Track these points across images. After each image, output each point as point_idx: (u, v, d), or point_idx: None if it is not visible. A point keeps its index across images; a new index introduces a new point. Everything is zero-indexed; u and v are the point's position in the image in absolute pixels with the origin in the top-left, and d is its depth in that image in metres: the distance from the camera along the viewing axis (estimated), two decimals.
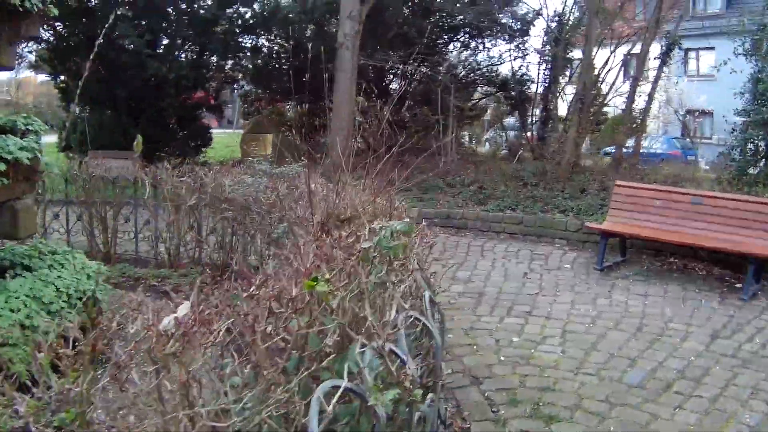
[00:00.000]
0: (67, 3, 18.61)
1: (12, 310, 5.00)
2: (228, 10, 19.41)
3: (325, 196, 6.34)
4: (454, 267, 10.14)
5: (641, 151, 17.00)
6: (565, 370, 6.30)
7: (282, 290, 3.06)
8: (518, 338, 7.15)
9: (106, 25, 8.28)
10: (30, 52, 20.66)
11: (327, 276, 3.04)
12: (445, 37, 21.55)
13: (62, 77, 20.51)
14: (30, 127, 5.71)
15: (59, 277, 5.68)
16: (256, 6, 20.22)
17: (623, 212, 10.45)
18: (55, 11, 5.90)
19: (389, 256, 3.75)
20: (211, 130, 21.73)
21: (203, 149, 21.44)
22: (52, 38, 19.82)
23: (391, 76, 22.23)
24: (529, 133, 19.35)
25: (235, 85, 23.28)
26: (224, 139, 26.94)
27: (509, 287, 9.08)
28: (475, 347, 6.91)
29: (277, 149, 18.85)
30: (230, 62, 21.66)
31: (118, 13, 18.70)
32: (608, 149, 17.83)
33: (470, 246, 11.61)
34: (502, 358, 6.60)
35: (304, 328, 2.77)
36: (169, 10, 18.96)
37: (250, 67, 22.15)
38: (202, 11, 19.11)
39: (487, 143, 25.16)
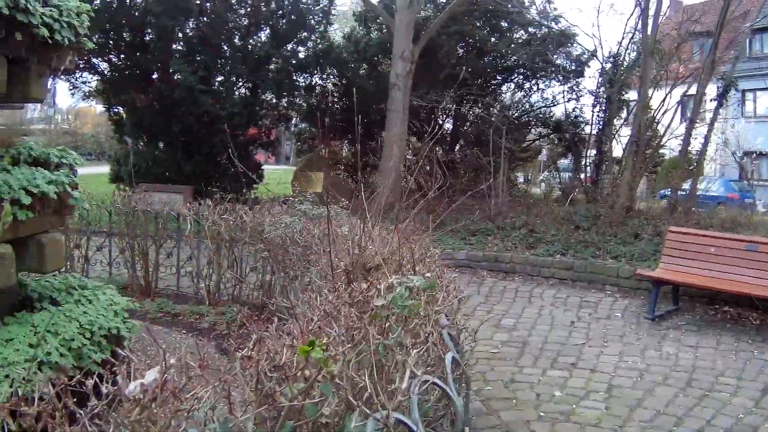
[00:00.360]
0: (123, 37, 18.87)
1: (31, 345, 4.86)
2: (282, 49, 19.40)
3: (356, 240, 6.08)
4: (499, 314, 9.88)
5: (698, 194, 16.58)
6: (608, 428, 5.97)
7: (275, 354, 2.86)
8: (561, 392, 6.82)
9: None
10: (84, 82, 20.84)
11: (325, 340, 2.83)
12: (499, 77, 21.36)
13: (117, 109, 20.75)
14: (64, 161, 5.67)
15: (84, 312, 5.55)
16: (309, 44, 20.20)
17: (676, 259, 10.08)
18: (90, 44, 5.93)
19: (405, 316, 3.50)
20: (263, 167, 21.72)
21: (255, 185, 21.43)
22: (107, 71, 20.08)
23: (444, 117, 22.04)
24: (583, 175, 19.00)
25: (288, 123, 23.28)
26: (279, 175, 26.98)
27: (555, 336, 8.76)
28: (514, 401, 6.61)
29: (326, 188, 18.79)
30: (284, 100, 21.66)
31: (173, 48, 18.97)
32: (665, 192, 17.39)
33: (518, 291, 11.31)
34: (542, 414, 6.29)
35: (298, 396, 2.57)
36: (224, 47, 19.03)
37: (304, 105, 22.15)
38: (256, 49, 19.11)
39: (542, 184, 24.84)
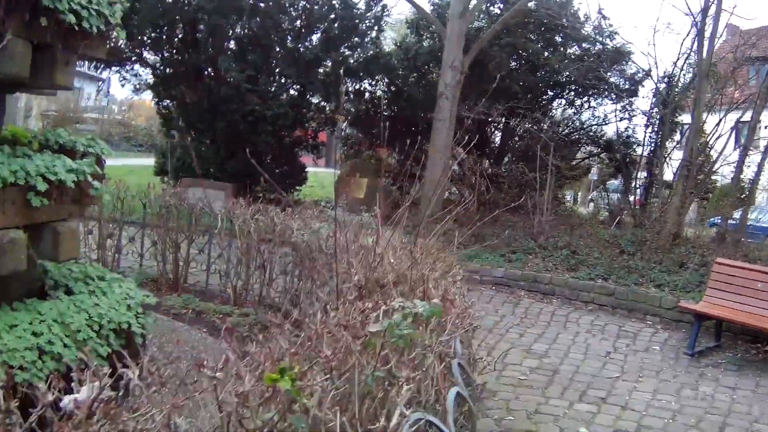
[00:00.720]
0: (176, 33, 18.87)
1: (35, 333, 4.77)
2: (333, 53, 19.23)
3: (377, 253, 5.80)
4: (532, 338, 9.54)
5: (749, 224, 16.03)
6: None
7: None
8: (586, 429, 6.46)
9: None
10: (136, 75, 20.89)
11: (298, 368, 2.66)
12: (550, 93, 20.92)
13: (166, 103, 20.82)
14: (90, 149, 5.67)
15: (96, 305, 5.47)
16: (360, 50, 20.00)
17: (721, 293, 9.65)
18: (123, 34, 5.88)
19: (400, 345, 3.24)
20: (307, 169, 21.59)
21: (298, 187, 21.32)
22: (159, 65, 20.14)
23: (493, 130, 21.69)
24: (632, 198, 18.52)
25: (335, 127, 23.09)
26: (326, 178, 26.78)
27: (588, 367, 8.39)
28: None
29: (368, 195, 18.58)
30: (332, 104, 21.49)
31: (224, 46, 18.91)
32: (714, 220, 16.81)
33: (554, 315, 10.95)
34: None
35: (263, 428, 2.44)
36: (275, 48, 18.90)
37: (352, 110, 21.96)
38: (306, 52, 18.96)
39: (591, 204, 24.33)
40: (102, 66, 20.83)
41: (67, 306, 5.24)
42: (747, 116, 15.23)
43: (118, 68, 20.49)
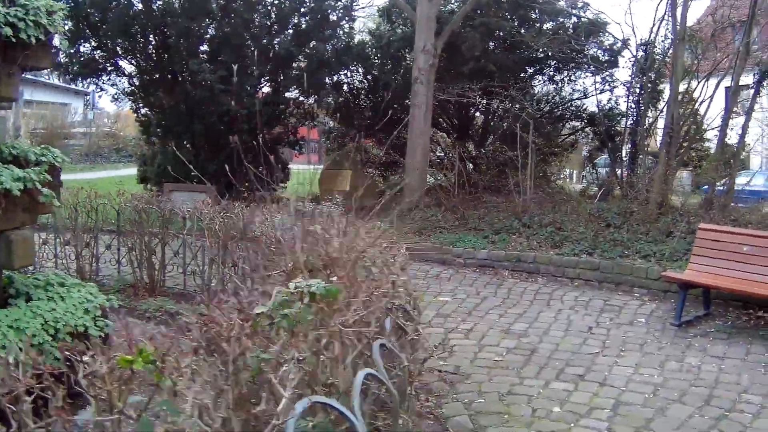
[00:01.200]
0: (148, 39, 18.61)
1: None
2: (305, 47, 18.94)
3: (327, 239, 5.55)
4: (512, 318, 9.16)
5: (741, 188, 15.60)
6: None
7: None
8: (560, 408, 6.11)
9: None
10: (113, 85, 20.60)
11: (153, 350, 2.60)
12: (530, 70, 20.50)
13: (144, 110, 20.47)
14: (43, 158, 5.75)
15: (53, 309, 5.61)
16: (333, 41, 19.66)
17: (707, 259, 9.27)
18: (65, 44, 6.24)
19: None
20: (289, 166, 21.24)
21: (282, 184, 21.01)
22: (135, 72, 19.86)
23: (475, 112, 21.30)
24: (619, 171, 18.10)
25: (315, 121, 22.74)
26: (311, 174, 26.43)
27: (567, 344, 8.03)
28: (506, 417, 5.94)
29: (352, 186, 18.24)
30: (311, 98, 21.17)
31: (199, 49, 18.65)
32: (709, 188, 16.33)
33: (537, 294, 10.58)
34: None
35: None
36: (249, 46, 18.57)
37: (332, 103, 21.63)
38: (278, 48, 18.67)
39: (584, 180, 23.92)
40: (78, 79, 20.58)
41: (23, 312, 5.42)
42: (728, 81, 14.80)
43: (95, 79, 20.19)
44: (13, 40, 5.17)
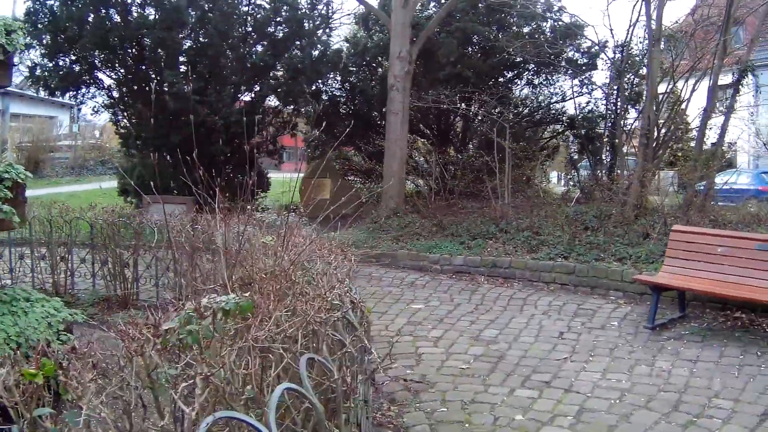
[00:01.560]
0: (126, 50, 18.47)
1: None
2: (282, 56, 18.82)
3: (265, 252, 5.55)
4: (483, 324, 8.98)
5: (725, 187, 15.46)
6: None
7: None
8: (522, 416, 5.96)
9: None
10: (92, 98, 20.47)
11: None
12: (508, 74, 20.39)
13: (123, 122, 20.38)
14: (6, 175, 5.85)
15: (15, 324, 5.68)
16: (309, 50, 19.51)
17: (681, 261, 9.16)
18: (19, 59, 5.86)
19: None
20: (269, 176, 21.11)
21: (262, 193, 20.87)
22: (113, 84, 19.81)
23: (454, 117, 21.18)
24: (599, 173, 17.97)
25: (294, 130, 22.61)
26: (292, 183, 26.21)
27: (537, 350, 7.88)
28: (467, 425, 5.82)
29: (332, 194, 18.10)
30: (290, 107, 21.04)
31: (176, 60, 18.49)
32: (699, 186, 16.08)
33: (511, 299, 10.43)
34: None
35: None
36: (223, 57, 18.42)
37: (311, 111, 21.52)
38: (255, 58, 18.54)
39: (568, 183, 23.77)
40: (56, 93, 20.40)
41: None
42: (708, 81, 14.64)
43: (74, 92, 20.01)
44: None
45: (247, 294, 3.99)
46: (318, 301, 4.14)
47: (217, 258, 6.45)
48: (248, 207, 9.12)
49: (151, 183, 16.35)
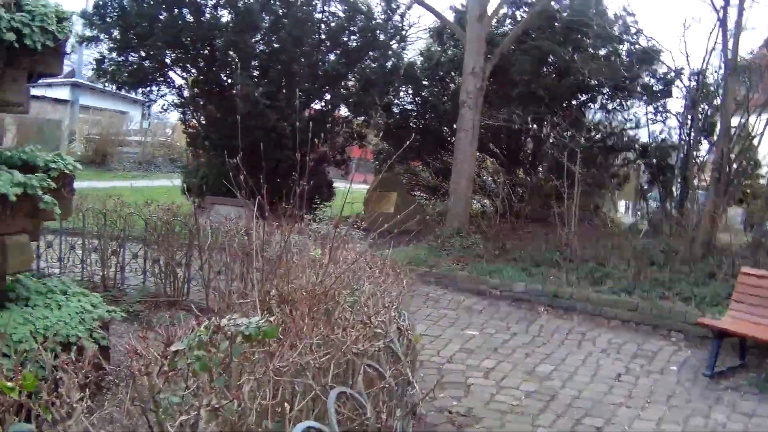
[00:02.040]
0: (199, 51, 18.59)
1: None
2: (355, 66, 18.80)
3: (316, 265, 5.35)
4: (539, 358, 8.78)
5: None
6: None
7: None
8: None
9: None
10: (162, 96, 20.70)
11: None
12: (582, 96, 20.05)
13: (192, 121, 20.60)
14: (53, 165, 5.82)
15: (45, 317, 5.58)
16: (382, 61, 19.44)
17: (747, 306, 8.77)
18: (71, 48, 5.95)
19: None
20: (334, 185, 21.13)
21: (326, 203, 20.86)
22: (184, 84, 20.01)
23: (526, 138, 20.92)
24: (669, 206, 17.57)
25: (363, 141, 22.58)
26: (358, 194, 26.30)
27: (591, 391, 7.63)
28: None
29: (397, 208, 18.05)
30: (360, 118, 21.02)
31: (250, 64, 18.57)
32: None
33: (570, 333, 10.16)
34: None
35: None
36: (295, 64, 18.43)
37: (381, 123, 21.48)
38: (327, 66, 18.53)
39: (637, 214, 23.31)
40: (124, 88, 20.66)
41: (13, 317, 5.40)
42: None
43: (144, 89, 20.25)
44: (16, 45, 5.16)
45: (277, 314, 3.92)
46: (359, 328, 3.98)
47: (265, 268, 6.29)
48: (305, 216, 9.09)
49: (214, 184, 16.54)
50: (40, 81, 6.50)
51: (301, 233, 8.80)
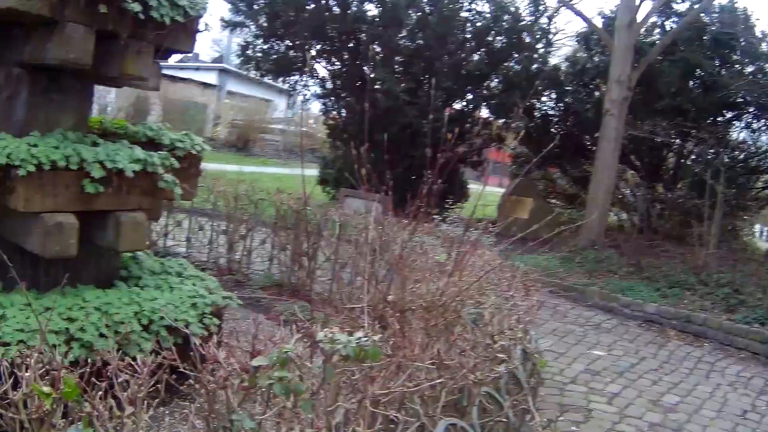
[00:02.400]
0: (344, 44, 18.83)
1: (71, 319, 4.85)
2: (498, 68, 18.72)
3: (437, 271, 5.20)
4: (665, 387, 8.58)
5: None
6: None
7: None
8: None
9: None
10: (305, 86, 21.13)
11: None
12: (727, 113, 19.38)
13: (333, 114, 20.88)
14: (179, 144, 5.82)
15: (153, 299, 5.46)
16: (526, 64, 19.28)
17: None
18: (204, 26, 5.98)
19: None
20: (469, 186, 21.10)
21: (460, 204, 20.89)
22: (327, 76, 20.24)
23: (667, 153, 20.39)
24: None
25: (502, 144, 22.46)
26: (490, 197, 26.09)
27: (716, 428, 7.33)
28: None
29: (532, 215, 17.89)
30: (500, 121, 20.93)
31: (389, 58, 18.70)
32: None
33: (699, 362, 9.82)
34: None
35: None
36: (437, 61, 18.47)
37: (522, 127, 21.33)
38: (470, 66, 18.49)
39: None
40: (267, 76, 21.14)
41: (119, 297, 5.33)
42: None
43: (286, 78, 20.67)
44: (142, 17, 5.12)
45: (391, 325, 3.70)
46: (479, 351, 3.73)
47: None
48: (434, 216, 9.05)
49: (349, 176, 16.82)
50: (170, 58, 6.48)
51: (429, 234, 8.79)
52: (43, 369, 2.51)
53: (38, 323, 4.12)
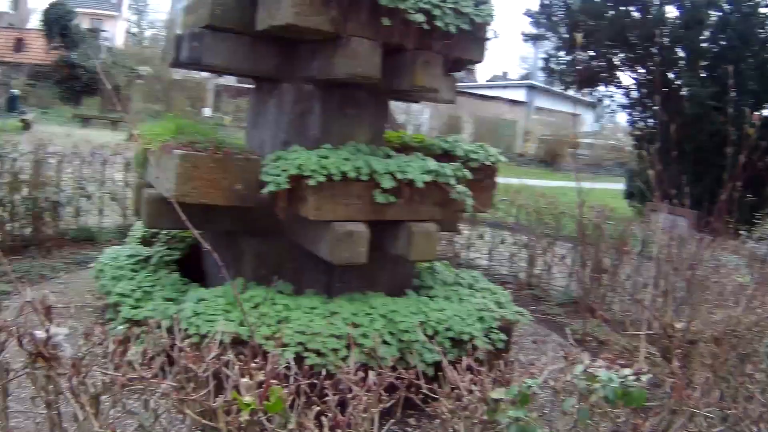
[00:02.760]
0: (648, 50, 18.50)
1: (355, 325, 5.00)
2: None
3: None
4: None
5: None
6: None
7: None
8: None
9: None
10: (610, 97, 21.08)
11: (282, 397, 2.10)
12: None
13: (639, 124, 20.46)
14: (473, 156, 5.88)
15: (441, 310, 5.50)
16: None
17: None
18: (494, 34, 5.87)
19: None
20: None
21: None
22: (633, 85, 19.96)
23: None
24: None
25: None
26: None
27: None
28: None
29: None
30: None
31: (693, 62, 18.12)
32: None
33: None
34: None
35: None
36: (745, 62, 17.63)
37: None
38: None
39: None
40: (571, 88, 21.14)
41: (406, 305, 5.38)
42: None
43: (592, 89, 20.58)
44: (427, 27, 5.12)
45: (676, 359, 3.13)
46: None
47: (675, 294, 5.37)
48: (741, 232, 8.34)
49: (652, 190, 16.24)
50: (460, 70, 6.31)
51: (734, 252, 8.24)
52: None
53: (320, 327, 4.42)
